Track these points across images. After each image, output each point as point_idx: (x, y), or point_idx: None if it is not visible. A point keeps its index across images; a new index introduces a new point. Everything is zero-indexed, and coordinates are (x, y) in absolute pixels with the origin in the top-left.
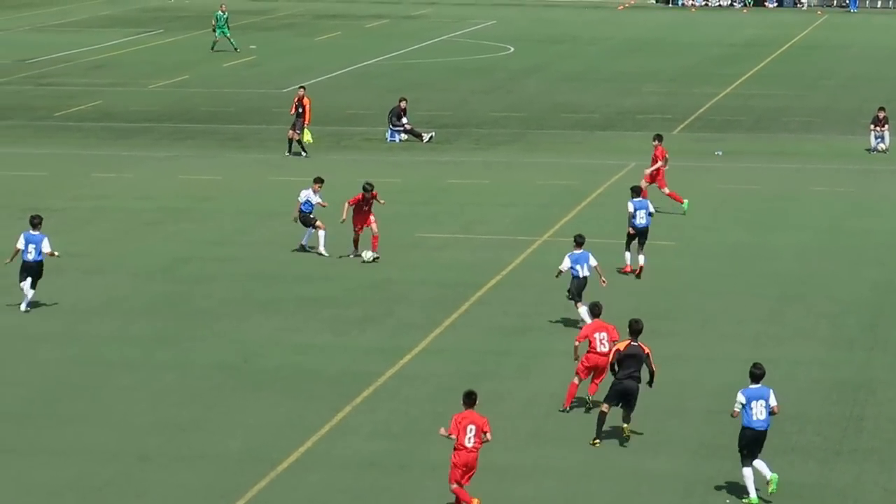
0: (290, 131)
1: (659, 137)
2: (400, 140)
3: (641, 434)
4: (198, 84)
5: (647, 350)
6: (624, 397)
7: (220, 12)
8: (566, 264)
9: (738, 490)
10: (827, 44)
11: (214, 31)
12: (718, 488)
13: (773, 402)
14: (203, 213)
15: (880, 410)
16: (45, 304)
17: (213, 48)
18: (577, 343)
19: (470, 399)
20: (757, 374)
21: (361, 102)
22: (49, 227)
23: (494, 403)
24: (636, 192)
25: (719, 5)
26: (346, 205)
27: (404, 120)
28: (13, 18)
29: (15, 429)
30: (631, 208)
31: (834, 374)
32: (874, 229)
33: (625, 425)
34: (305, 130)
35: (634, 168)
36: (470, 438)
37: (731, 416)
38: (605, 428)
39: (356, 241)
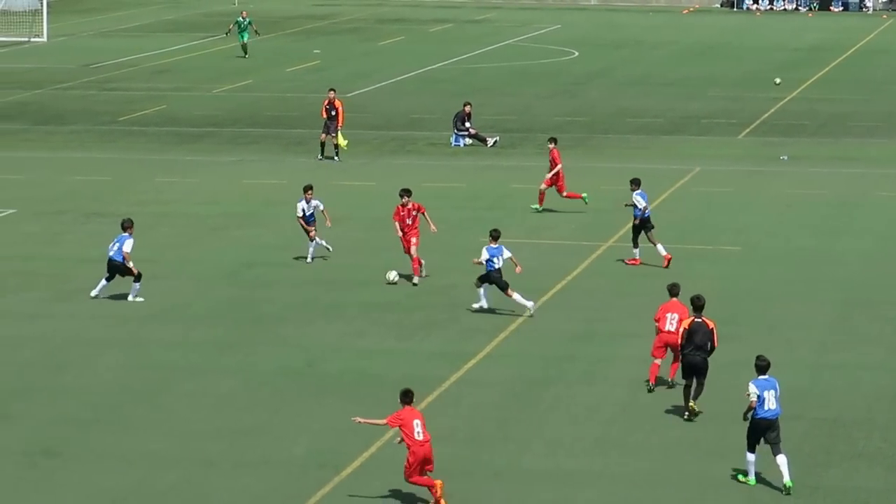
0: (323, 135)
1: (553, 140)
2: (464, 145)
3: (701, 413)
4: (261, 88)
5: (711, 325)
6: (692, 372)
7: (240, 18)
8: (484, 256)
9: (805, 496)
10: (892, 48)
11: (239, 35)
12: (785, 494)
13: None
14: (267, 217)
15: None
16: (108, 310)
17: (245, 54)
18: (655, 322)
19: (407, 397)
20: (762, 366)
21: (425, 107)
22: (112, 233)
23: (559, 409)
24: (636, 183)
25: (784, 9)
26: (395, 223)
27: (469, 124)
28: (78, 23)
29: (79, 434)
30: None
31: None
32: None
33: (692, 403)
34: (339, 134)
35: (699, 173)
36: (419, 433)
37: (749, 407)
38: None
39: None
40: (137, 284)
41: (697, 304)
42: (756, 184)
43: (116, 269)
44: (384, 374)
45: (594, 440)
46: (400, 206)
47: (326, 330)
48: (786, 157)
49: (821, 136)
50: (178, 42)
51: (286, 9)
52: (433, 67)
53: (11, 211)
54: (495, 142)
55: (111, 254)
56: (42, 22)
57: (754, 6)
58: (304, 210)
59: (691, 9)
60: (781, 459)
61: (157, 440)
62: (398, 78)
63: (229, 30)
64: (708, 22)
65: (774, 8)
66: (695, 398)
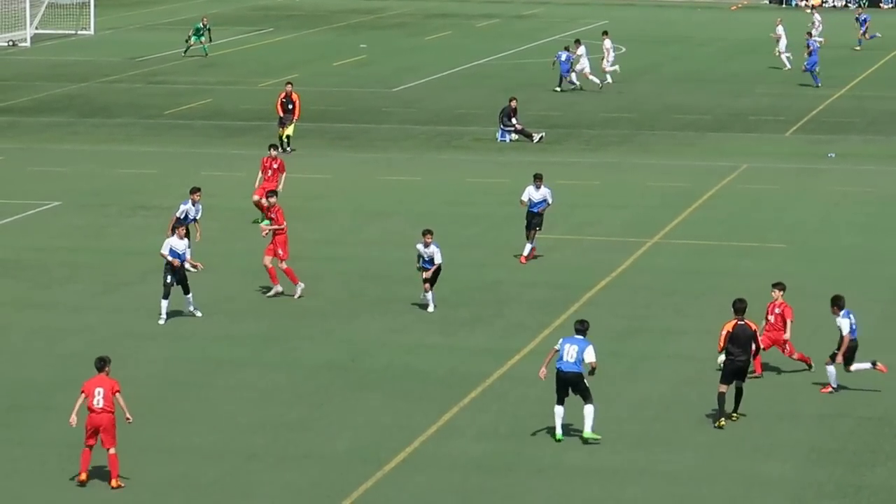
0: (280, 129)
1: (273, 146)
2: (510, 140)
3: (744, 415)
4: (307, 83)
5: (753, 327)
6: (734, 376)
7: (199, 24)
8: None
9: (850, 496)
10: None
11: (189, 38)
12: (829, 493)
13: (589, 356)
14: (313, 212)
15: None
16: (153, 304)
17: (185, 53)
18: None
19: (101, 363)
20: (580, 329)
21: (472, 102)
22: (158, 226)
23: (603, 406)
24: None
25: (833, 6)
26: None
27: (515, 120)
28: (124, 17)
29: (122, 427)
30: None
31: None
32: None
33: (734, 415)
34: (292, 126)
35: (746, 170)
36: (99, 401)
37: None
38: (716, 429)
39: None
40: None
41: (739, 308)
42: (803, 181)
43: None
44: (428, 370)
45: (638, 437)
46: None
47: (371, 325)
48: (833, 155)
49: (870, 134)
50: (224, 36)
51: (333, 3)
52: (480, 62)
53: (57, 203)
54: (541, 137)
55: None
56: (89, 15)
57: (803, 2)
58: (186, 213)
59: (739, 5)
60: (588, 410)
61: (200, 433)
62: (445, 73)
63: (188, 38)
64: (756, 18)
65: (824, 5)
66: (736, 407)
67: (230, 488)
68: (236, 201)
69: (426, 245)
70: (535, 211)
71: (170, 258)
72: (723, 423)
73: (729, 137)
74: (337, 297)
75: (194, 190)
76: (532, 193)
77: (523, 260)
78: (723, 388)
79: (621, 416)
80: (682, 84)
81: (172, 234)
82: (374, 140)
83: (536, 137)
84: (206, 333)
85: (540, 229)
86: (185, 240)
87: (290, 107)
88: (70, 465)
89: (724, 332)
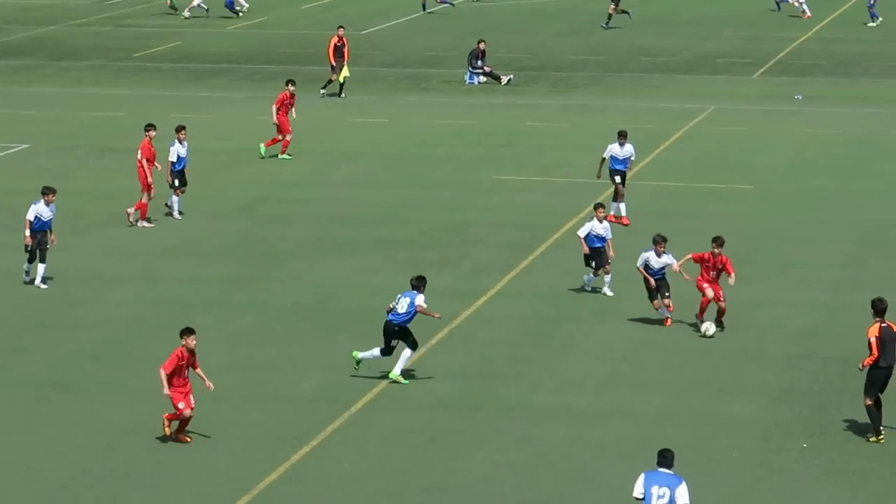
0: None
1: (291, 82)
2: (479, 82)
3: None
4: (276, 26)
5: (894, 327)
6: (884, 387)
7: None
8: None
9: (816, 435)
10: None
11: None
12: (796, 433)
13: (418, 301)
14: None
15: None
16: (122, 245)
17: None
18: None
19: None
20: (415, 284)
21: (441, 45)
22: (126, 168)
23: (571, 346)
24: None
25: None
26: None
27: (483, 62)
28: None
29: (92, 369)
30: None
31: None
32: None
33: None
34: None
35: (714, 112)
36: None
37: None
38: (680, 373)
39: None
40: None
41: (881, 308)
42: (771, 123)
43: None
44: None
45: (605, 377)
46: None
47: (339, 266)
48: (800, 97)
49: (836, 76)
50: None
51: None
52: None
53: (25, 146)
54: (509, 80)
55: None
56: None
57: None
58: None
59: None
60: (405, 353)
61: None
62: (414, 15)
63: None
64: None
65: None
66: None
67: (198, 428)
68: (205, 143)
69: (658, 254)
70: (622, 169)
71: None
72: (882, 438)
73: (697, 80)
74: (305, 239)
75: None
76: (616, 151)
77: (626, 221)
78: (869, 401)
79: (589, 357)
80: (651, 26)
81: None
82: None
83: (505, 80)
84: (174, 275)
85: (623, 186)
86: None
87: (343, 50)
88: (41, 406)
89: (873, 339)
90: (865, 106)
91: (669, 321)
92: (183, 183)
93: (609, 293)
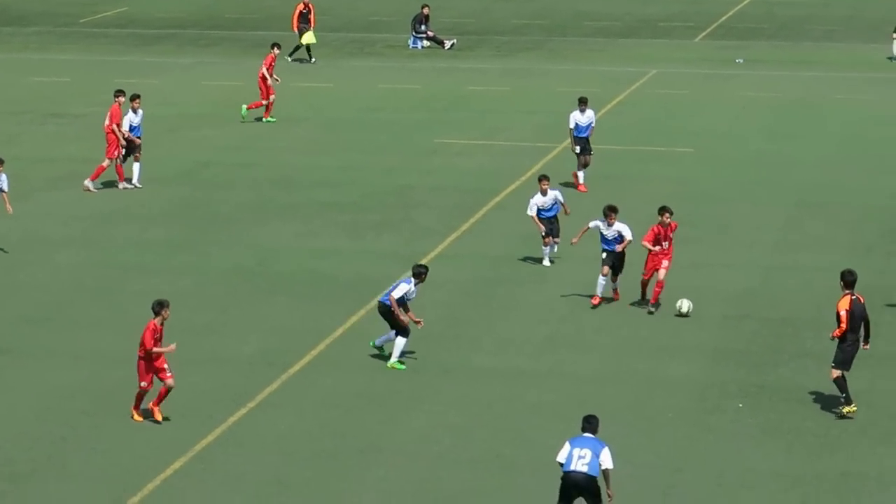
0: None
1: (276, 45)
2: (422, 47)
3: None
4: None
5: (862, 301)
6: (853, 358)
7: None
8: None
9: (752, 395)
10: None
11: None
12: (732, 393)
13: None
14: (224, 119)
15: None
16: (64, 210)
17: None
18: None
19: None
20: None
21: (384, 9)
22: (71, 133)
23: (510, 308)
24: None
25: None
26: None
27: (426, 27)
28: None
29: (32, 332)
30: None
31: None
32: (894, 137)
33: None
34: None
35: (655, 75)
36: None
37: None
38: (618, 334)
39: None
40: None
41: (850, 280)
42: (712, 87)
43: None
44: (336, 274)
45: (544, 339)
46: None
47: (280, 230)
48: (741, 60)
49: (778, 40)
50: None
51: None
52: None
53: None
54: (452, 44)
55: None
56: None
57: None
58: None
59: None
60: (397, 341)
61: (107, 338)
62: None
63: None
64: None
65: None
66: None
67: (135, 391)
68: (149, 108)
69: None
70: (584, 136)
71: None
72: (853, 408)
73: (638, 43)
74: (247, 203)
75: (134, 97)
76: (577, 118)
77: (583, 188)
78: (839, 374)
79: (528, 319)
80: None
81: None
82: (287, 48)
83: (448, 44)
84: (116, 239)
85: (591, 154)
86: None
87: (309, 16)
88: None
89: (843, 312)
90: (806, 69)
91: (597, 299)
92: (136, 150)
93: (547, 263)
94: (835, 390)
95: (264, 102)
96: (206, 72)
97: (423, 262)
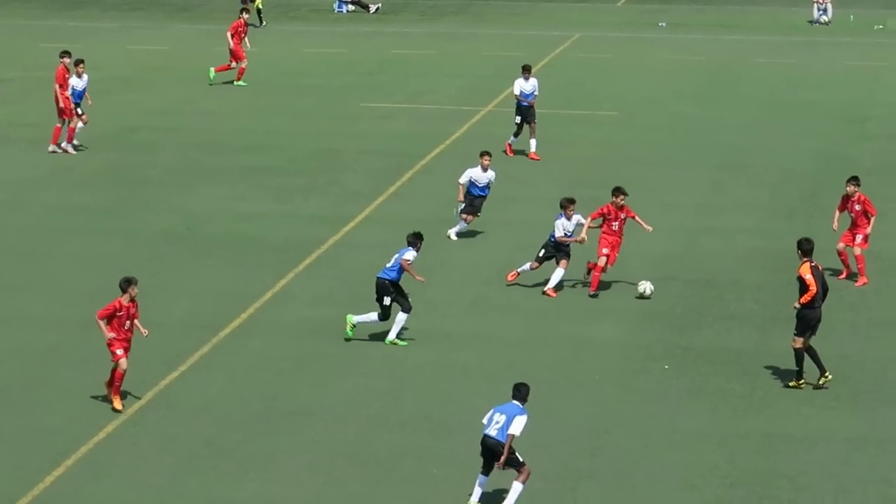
0: None
1: (245, 10)
2: (347, 11)
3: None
4: None
5: (821, 268)
6: (818, 325)
7: None
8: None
9: (678, 356)
10: None
11: None
12: (657, 355)
13: (405, 256)
14: (150, 83)
15: None
16: None
17: None
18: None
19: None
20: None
21: None
22: None
23: (437, 271)
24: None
25: None
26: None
27: None
28: None
29: None
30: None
31: (773, 242)
32: (815, 100)
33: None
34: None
35: (579, 39)
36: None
37: None
38: (545, 297)
39: None
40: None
41: (808, 248)
42: (635, 50)
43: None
44: (264, 237)
45: (471, 302)
46: None
47: (208, 194)
48: (664, 24)
49: (700, 3)
50: None
51: None
52: None
53: None
54: (377, 8)
55: None
56: None
57: None
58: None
59: None
60: (399, 317)
61: (38, 302)
62: None
63: None
64: None
65: None
66: (822, 366)
67: (66, 355)
68: None
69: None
70: (526, 105)
71: None
72: (802, 384)
73: (562, 7)
74: (174, 167)
75: (78, 62)
76: (523, 85)
77: (535, 156)
78: (799, 342)
79: (455, 281)
80: None
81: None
82: (212, 11)
83: (373, 8)
84: (44, 203)
85: (534, 121)
86: None
87: None
88: None
89: (808, 276)
90: (729, 33)
91: (513, 276)
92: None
93: (454, 237)
94: (757, 351)
95: (233, 65)
96: (132, 36)
97: (350, 225)
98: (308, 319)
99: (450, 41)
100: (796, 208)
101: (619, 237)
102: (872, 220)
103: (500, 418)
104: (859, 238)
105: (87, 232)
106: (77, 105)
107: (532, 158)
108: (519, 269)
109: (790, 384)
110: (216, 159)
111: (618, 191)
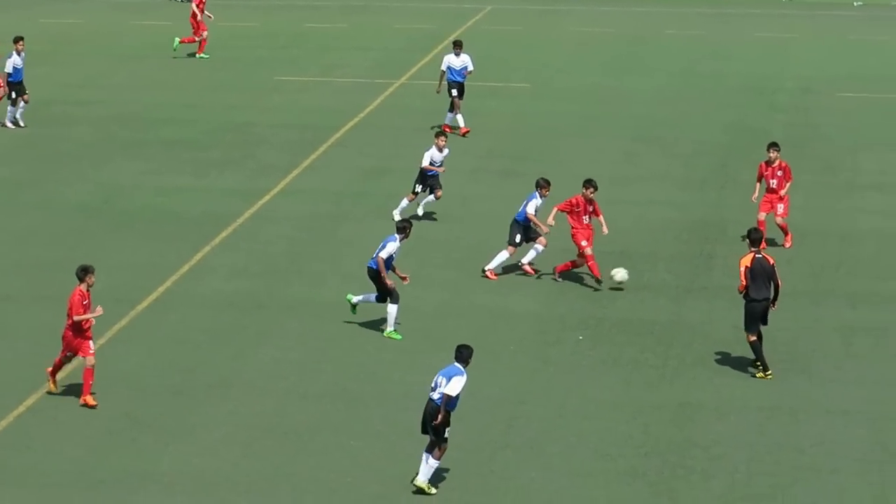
0: None
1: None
2: None
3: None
4: None
5: (772, 261)
6: (763, 320)
7: None
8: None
9: (592, 327)
10: None
11: None
12: (572, 326)
13: (385, 251)
14: (66, 56)
15: (730, 249)
16: None
17: None
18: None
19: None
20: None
21: None
22: None
23: (352, 244)
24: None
25: None
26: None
27: None
28: None
29: None
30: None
31: (686, 213)
32: (726, 72)
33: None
34: None
35: (491, 11)
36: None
37: None
38: (462, 268)
39: None
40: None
41: (756, 238)
42: (546, 22)
43: None
44: (181, 211)
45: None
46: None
47: (124, 167)
48: None
49: None
50: None
51: None
52: None
53: None
54: None
55: None
56: None
57: None
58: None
59: None
60: (389, 309)
61: None
62: None
63: None
64: None
65: None
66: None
67: None
68: None
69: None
70: (459, 80)
71: None
72: (769, 374)
73: None
74: (89, 140)
75: (17, 39)
76: (452, 61)
77: (465, 131)
78: (752, 337)
79: (370, 253)
80: None
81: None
82: None
83: None
84: None
85: (462, 98)
86: None
87: None
88: None
89: (743, 269)
90: (639, 5)
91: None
92: (23, 91)
93: (397, 217)
94: (670, 322)
95: (197, 38)
96: (45, 10)
97: (266, 198)
98: (225, 292)
99: (362, 14)
100: (708, 179)
101: (591, 230)
102: (788, 186)
103: (441, 381)
104: (781, 208)
105: (4, 205)
106: (19, 83)
107: (448, 131)
108: (495, 263)
109: (757, 375)
110: (132, 133)
111: (588, 183)
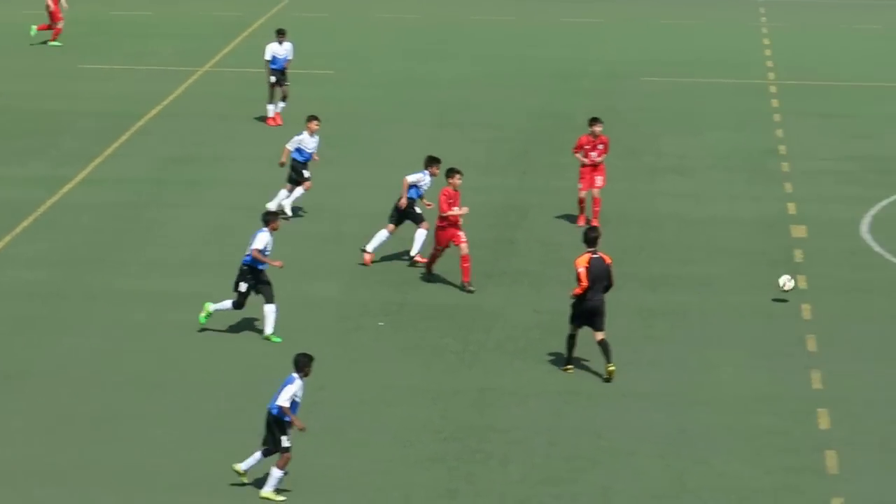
0: None
1: None
2: None
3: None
4: None
5: (608, 261)
6: (591, 319)
7: None
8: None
9: (393, 313)
10: None
11: None
12: (372, 311)
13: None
14: None
15: (531, 234)
16: None
17: None
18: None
19: None
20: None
21: None
22: None
23: (155, 231)
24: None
25: None
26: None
27: None
28: None
29: None
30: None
31: (487, 198)
32: (532, 57)
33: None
34: None
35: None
36: None
37: None
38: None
39: None
40: None
41: (592, 238)
42: (350, 9)
43: None
44: None
45: (187, 261)
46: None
47: None
48: None
49: None
50: None
51: None
52: None
53: None
54: None
55: None
56: None
57: None
58: None
59: None
60: (266, 310)
61: None
62: None
63: None
64: None
65: None
66: (608, 357)
67: None
68: None
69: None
70: (281, 68)
71: None
72: (570, 369)
73: None
74: None
75: None
76: (276, 50)
77: (277, 120)
78: (570, 329)
79: (172, 241)
80: None
81: None
82: None
83: None
84: None
85: (287, 84)
86: None
87: None
88: None
89: (581, 270)
90: None
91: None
92: None
93: (288, 212)
94: (470, 308)
95: (50, 26)
96: None
97: (68, 187)
98: (25, 282)
99: (167, 2)
100: (509, 165)
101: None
102: (604, 157)
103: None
104: (599, 180)
105: None
106: None
107: (273, 124)
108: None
109: (565, 368)
110: None
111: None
